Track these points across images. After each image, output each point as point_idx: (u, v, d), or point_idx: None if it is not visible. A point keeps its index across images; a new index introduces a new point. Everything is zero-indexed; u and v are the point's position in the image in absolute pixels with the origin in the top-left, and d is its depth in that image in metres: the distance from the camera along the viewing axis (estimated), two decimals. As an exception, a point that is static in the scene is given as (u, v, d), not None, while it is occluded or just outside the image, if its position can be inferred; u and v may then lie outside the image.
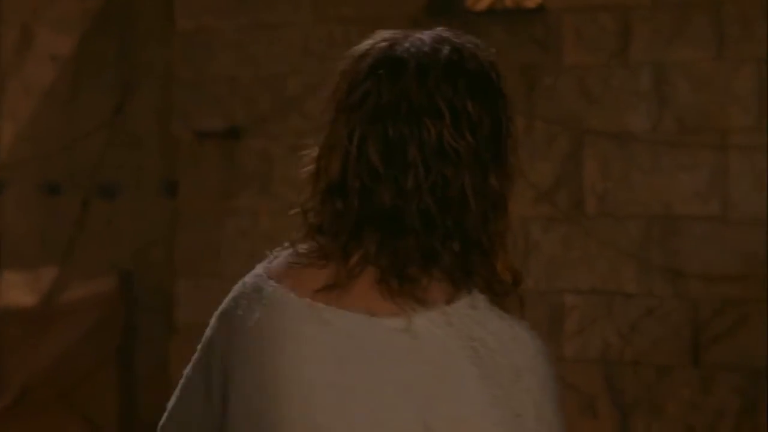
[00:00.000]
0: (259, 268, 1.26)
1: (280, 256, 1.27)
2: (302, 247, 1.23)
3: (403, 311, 1.16)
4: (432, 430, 1.13)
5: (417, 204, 1.17)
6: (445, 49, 1.21)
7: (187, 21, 4.06)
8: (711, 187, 3.31)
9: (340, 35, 3.82)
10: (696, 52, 3.34)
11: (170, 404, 1.32)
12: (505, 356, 1.15)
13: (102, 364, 4.11)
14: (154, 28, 4.13)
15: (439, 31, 1.24)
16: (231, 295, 1.26)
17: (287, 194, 3.91)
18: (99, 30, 4.15)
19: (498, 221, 1.20)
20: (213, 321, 1.28)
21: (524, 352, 1.16)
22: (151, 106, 4.15)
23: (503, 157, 1.20)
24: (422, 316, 1.16)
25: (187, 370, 1.31)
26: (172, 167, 4.10)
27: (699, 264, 3.33)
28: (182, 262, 4.06)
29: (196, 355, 1.30)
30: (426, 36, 1.23)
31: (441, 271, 1.17)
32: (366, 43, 1.24)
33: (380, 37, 1.24)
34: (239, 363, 1.22)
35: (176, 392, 1.32)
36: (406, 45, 1.21)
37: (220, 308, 1.27)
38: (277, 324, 1.20)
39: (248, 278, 1.26)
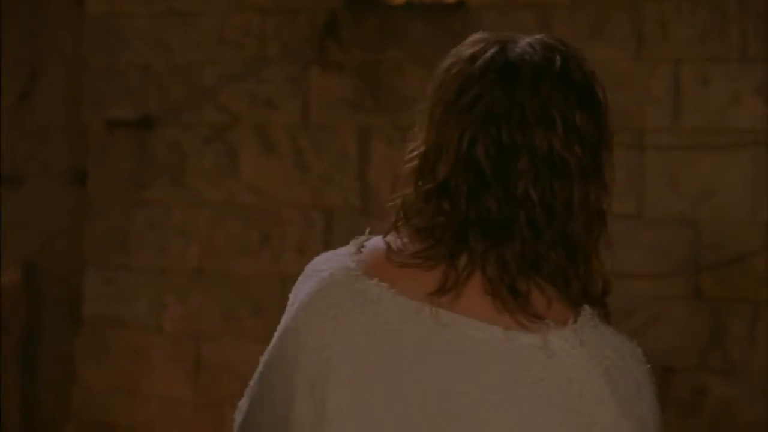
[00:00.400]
0: (347, 260, 1.25)
1: (367, 248, 1.26)
2: (398, 243, 1.23)
3: (536, 328, 1.19)
4: None
5: (525, 213, 1.19)
6: (557, 59, 1.22)
7: (98, 5, 3.95)
8: (627, 186, 3.33)
9: (257, 25, 3.76)
10: (614, 52, 3.35)
11: (251, 391, 1.29)
12: (628, 371, 1.22)
13: (3, 359, 3.98)
14: (63, 11, 4.01)
15: (544, 37, 1.25)
16: (314, 286, 1.24)
17: (199, 186, 3.83)
18: (4, 13, 4.01)
19: (597, 232, 1.23)
20: (294, 311, 1.25)
21: (639, 367, 1.23)
22: (59, 93, 4.03)
23: (603, 170, 1.23)
24: (555, 334, 1.19)
25: (265, 358, 1.28)
26: (80, 156, 3.99)
27: (614, 261, 3.34)
28: (90, 254, 3.96)
29: (274, 344, 1.27)
30: (534, 42, 1.24)
31: (545, 281, 1.21)
32: (471, 45, 1.25)
33: (486, 40, 1.25)
34: (344, 362, 1.20)
35: (256, 378, 1.29)
36: (518, 51, 1.22)
37: (303, 299, 1.25)
38: (391, 326, 1.20)
39: (335, 270, 1.24)
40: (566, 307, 1.21)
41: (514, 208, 1.18)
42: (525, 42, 1.23)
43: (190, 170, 3.83)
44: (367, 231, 1.28)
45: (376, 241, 1.26)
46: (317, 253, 1.33)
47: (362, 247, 1.27)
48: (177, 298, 3.85)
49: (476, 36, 1.26)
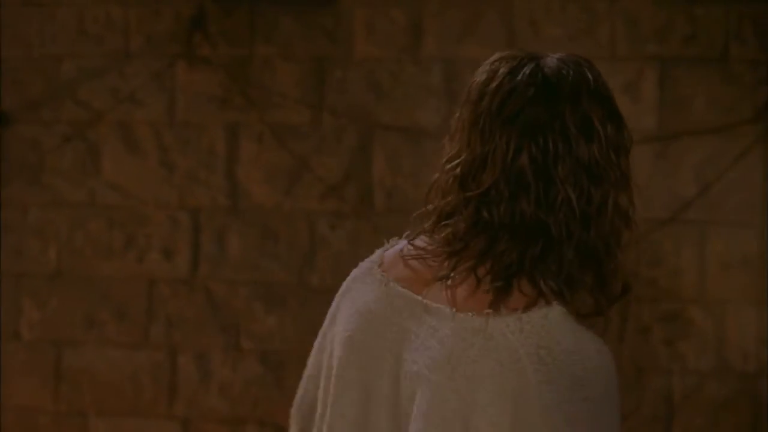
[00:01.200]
0: (376, 254, 1.44)
1: (396, 245, 1.42)
2: (421, 243, 1.37)
3: (483, 313, 1.30)
4: (497, 426, 1.26)
5: (561, 216, 1.29)
6: (589, 75, 1.35)
7: (-52, -6, 3.77)
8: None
9: (119, 17, 3.65)
10: (486, 50, 3.34)
11: (306, 372, 1.49)
12: (569, 366, 1.27)
13: None
14: None
15: (570, 55, 1.38)
16: (350, 276, 1.45)
17: (59, 186, 3.70)
18: None
19: (623, 236, 1.34)
20: (335, 299, 1.45)
21: (587, 365, 1.29)
22: None
23: (629, 176, 1.35)
24: (499, 320, 1.29)
25: (316, 342, 1.48)
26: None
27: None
28: (-60, 258, 3.78)
29: (321, 330, 1.47)
30: (564, 59, 1.37)
31: (527, 277, 1.30)
32: (505, 61, 1.36)
33: (517, 56, 1.36)
34: (347, 338, 1.39)
35: (309, 360, 1.49)
36: (553, 67, 1.35)
37: (341, 288, 1.45)
38: (381, 310, 1.36)
39: (365, 262, 1.44)
40: (525, 297, 1.30)
41: (550, 212, 1.30)
42: (554, 59, 1.36)
43: (49, 169, 3.71)
44: (405, 234, 1.42)
45: (402, 241, 1.43)
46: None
47: (393, 245, 1.44)
48: (35, 303, 3.72)
49: (505, 52, 1.38)
